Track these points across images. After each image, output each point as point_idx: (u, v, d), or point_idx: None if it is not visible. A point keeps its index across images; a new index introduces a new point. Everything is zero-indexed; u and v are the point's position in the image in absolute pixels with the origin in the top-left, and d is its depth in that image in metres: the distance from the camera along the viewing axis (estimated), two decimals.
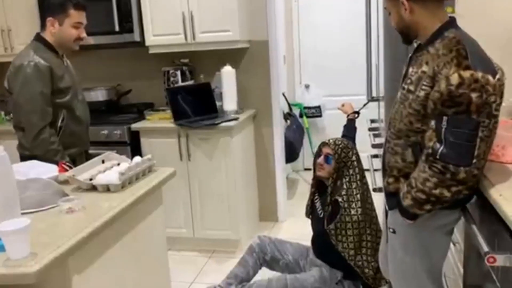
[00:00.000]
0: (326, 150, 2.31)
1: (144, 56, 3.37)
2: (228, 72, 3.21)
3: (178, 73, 3.37)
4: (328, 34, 4.66)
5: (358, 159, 2.29)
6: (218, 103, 3.28)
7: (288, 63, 4.75)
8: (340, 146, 2.27)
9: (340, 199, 2.19)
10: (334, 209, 2.22)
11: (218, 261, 3.11)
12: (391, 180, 1.58)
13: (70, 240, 1.26)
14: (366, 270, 2.18)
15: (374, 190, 2.27)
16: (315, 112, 4.69)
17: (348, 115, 2.76)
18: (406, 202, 1.48)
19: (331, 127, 4.83)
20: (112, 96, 3.62)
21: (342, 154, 2.25)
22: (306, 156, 4.67)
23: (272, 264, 2.51)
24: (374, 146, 2.54)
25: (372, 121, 3.01)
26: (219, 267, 3.02)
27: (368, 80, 2.75)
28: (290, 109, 4.44)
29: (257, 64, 3.42)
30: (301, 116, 4.60)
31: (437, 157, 1.40)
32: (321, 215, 2.33)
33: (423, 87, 1.45)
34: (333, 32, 4.63)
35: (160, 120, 3.24)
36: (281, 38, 4.17)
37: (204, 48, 3.21)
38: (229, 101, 3.23)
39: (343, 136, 2.63)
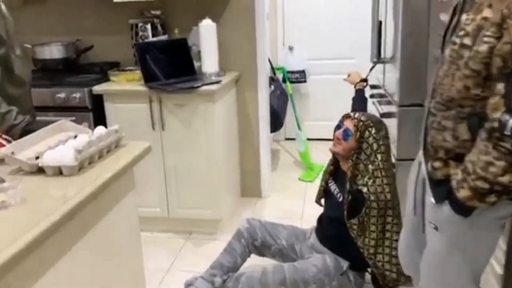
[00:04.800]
0: (347, 123, 1.94)
1: (107, 6, 2.85)
2: (207, 27, 2.75)
3: (148, 26, 2.87)
4: None
5: (387, 144, 1.92)
6: (196, 64, 2.83)
7: (271, 21, 4.29)
8: (366, 123, 1.89)
9: (365, 190, 1.84)
10: (357, 199, 1.87)
11: (197, 243, 2.74)
12: (437, 164, 1.22)
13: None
14: (387, 273, 1.86)
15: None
16: (299, 77, 4.29)
17: (355, 85, 2.39)
18: (462, 193, 1.13)
19: (316, 93, 4.46)
20: (71, 53, 3.09)
21: (365, 134, 1.88)
22: (288, 125, 4.30)
23: (262, 250, 2.17)
24: (383, 115, 2.18)
25: (373, 87, 2.64)
26: (197, 250, 2.66)
27: (374, 38, 2.37)
28: (274, 73, 4.02)
29: (241, 18, 2.97)
30: (283, 81, 4.19)
31: (506, 132, 1.05)
32: (340, 199, 1.98)
33: (486, 38, 1.09)
34: None
35: (127, 82, 2.76)
36: None
37: None
38: (209, 62, 2.78)
39: (353, 111, 2.28)
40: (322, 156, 4.06)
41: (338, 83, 4.51)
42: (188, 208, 2.77)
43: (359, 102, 2.35)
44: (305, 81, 4.31)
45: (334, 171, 2.11)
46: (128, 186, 1.41)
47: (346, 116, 1.98)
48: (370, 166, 1.88)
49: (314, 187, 3.54)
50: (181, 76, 2.71)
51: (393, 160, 2.14)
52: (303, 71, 4.28)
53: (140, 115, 2.62)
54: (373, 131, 1.89)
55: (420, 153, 1.44)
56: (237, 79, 3.06)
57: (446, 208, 1.20)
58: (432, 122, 1.25)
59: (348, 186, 1.90)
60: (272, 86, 3.83)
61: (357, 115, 1.94)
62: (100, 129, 1.35)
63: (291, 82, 4.22)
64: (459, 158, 1.18)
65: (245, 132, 3.18)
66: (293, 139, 4.26)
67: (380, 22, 2.39)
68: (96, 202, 1.18)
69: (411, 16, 1.93)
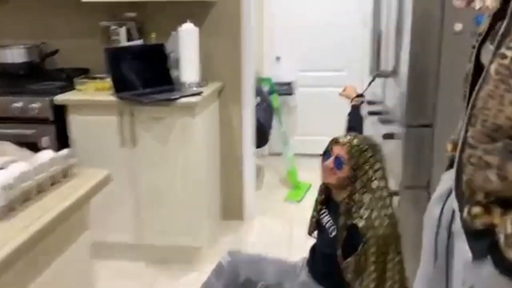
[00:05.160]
0: (337, 150, 1.67)
1: (76, 6, 2.54)
2: (188, 32, 2.47)
3: (122, 30, 2.57)
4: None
5: (384, 168, 1.66)
6: (174, 73, 2.55)
7: (258, 29, 4.03)
8: (359, 147, 1.63)
9: (361, 224, 1.57)
10: (352, 236, 1.59)
11: (173, 275, 2.43)
12: (476, 210, 0.96)
13: None
14: None
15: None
16: (287, 89, 4.04)
17: (351, 100, 2.14)
18: None
19: (303, 107, 4.21)
20: (34, 57, 2.77)
21: (360, 160, 1.61)
22: (273, 139, 4.02)
23: None
24: (385, 136, 1.93)
25: (370, 102, 2.39)
26: (173, 283, 2.35)
27: (374, 49, 2.12)
28: (260, 84, 3.76)
29: (226, 24, 2.70)
30: (270, 93, 3.93)
31: None
32: (332, 235, 1.71)
33: None
34: None
35: (96, 91, 2.45)
36: None
37: None
38: (189, 70, 2.49)
39: (349, 129, 2.02)
40: (309, 174, 3.81)
41: (327, 96, 4.30)
42: (163, 234, 2.46)
43: (354, 119, 2.09)
44: (292, 93, 4.06)
45: (326, 200, 1.84)
46: (78, 228, 1.11)
47: (335, 141, 1.70)
48: (366, 196, 1.62)
49: (302, 209, 3.23)
50: (157, 86, 2.42)
51: (396, 187, 1.88)
52: (291, 83, 4.04)
53: (108, 130, 2.30)
54: (369, 155, 1.64)
55: (441, 189, 1.18)
56: (220, 91, 2.78)
57: (488, 266, 0.94)
58: (470, 156, 0.98)
59: (342, 220, 1.63)
60: (258, 98, 3.56)
61: (347, 138, 1.67)
62: (44, 155, 1.05)
63: (278, 94, 3.96)
64: (506, 204, 0.92)
65: (227, 149, 2.90)
66: (278, 154, 3.99)
67: (379, 32, 2.15)
68: (28, 258, 0.88)
69: (421, 26, 1.69)
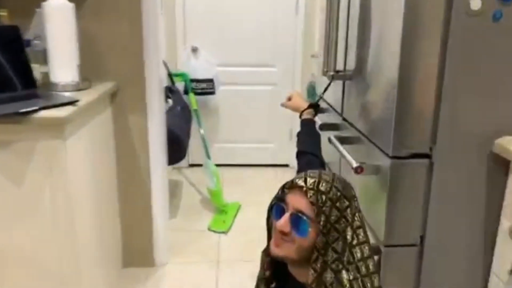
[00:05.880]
0: (295, 201, 1.02)
1: None
2: (60, 9, 1.67)
3: None
4: None
5: (363, 223, 1.03)
6: (39, 69, 1.73)
7: (168, 14, 3.26)
8: (330, 195, 0.99)
9: None
10: None
11: None
12: None
13: None
14: None
15: None
16: (206, 87, 3.32)
17: (301, 114, 1.52)
18: None
19: (227, 109, 3.52)
20: None
21: (333, 215, 0.98)
22: (193, 147, 3.30)
23: None
24: (358, 170, 1.30)
25: (320, 110, 1.77)
26: None
27: (332, 42, 1.48)
28: (172, 82, 3.00)
29: (121, 1, 1.92)
30: (186, 92, 3.19)
31: None
32: None
33: None
34: None
35: None
36: None
37: None
38: (62, 66, 1.70)
39: (301, 154, 1.39)
40: (236, 189, 3.16)
41: (255, 96, 3.67)
42: None
43: (308, 139, 1.46)
44: (213, 93, 3.35)
45: (273, 278, 1.18)
46: None
47: (290, 186, 1.05)
48: (344, 274, 1.00)
49: (229, 242, 2.52)
50: (7, 90, 1.58)
51: (374, 242, 1.28)
52: (211, 80, 3.32)
53: None
54: (344, 205, 1.01)
55: None
56: (113, 94, 2.00)
57: None
58: None
59: None
60: (170, 101, 2.81)
61: (310, 180, 1.02)
62: None
63: (196, 93, 3.23)
64: None
65: (127, 173, 2.13)
66: (200, 165, 3.27)
67: (336, 16, 1.52)
68: None
69: (415, 3, 1.08)
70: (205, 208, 2.90)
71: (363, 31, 1.40)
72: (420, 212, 1.21)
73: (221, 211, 2.80)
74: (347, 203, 0.99)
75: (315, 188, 0.99)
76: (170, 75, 2.97)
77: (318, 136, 1.47)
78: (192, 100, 3.11)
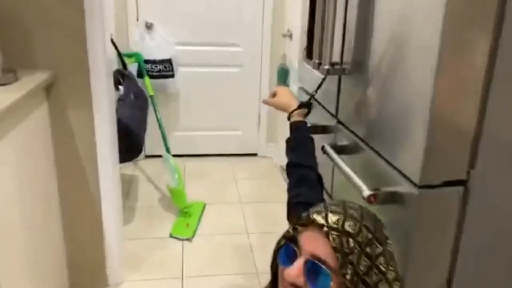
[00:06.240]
0: (314, 242, 0.76)
1: None
2: None
3: None
4: None
5: (399, 274, 0.77)
6: None
7: None
8: (359, 238, 0.74)
9: None
10: None
11: None
12: None
13: None
14: None
15: None
16: (164, 69, 2.93)
17: (289, 115, 1.23)
18: None
19: (187, 93, 3.16)
20: None
21: (361, 263, 0.72)
22: (150, 137, 2.91)
23: None
24: (371, 198, 1.02)
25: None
26: None
27: (323, 31, 1.17)
28: (124, 65, 2.59)
29: None
30: (140, 76, 2.79)
31: None
32: None
33: None
34: None
35: None
36: None
37: None
38: None
39: (294, 166, 1.11)
40: (199, 184, 2.84)
41: (219, 78, 3.26)
42: None
43: (302, 148, 1.17)
44: (172, 76, 2.97)
45: None
46: None
47: (305, 223, 0.78)
48: None
49: (195, 249, 2.19)
50: None
51: None
52: (169, 61, 2.93)
53: None
54: (377, 250, 0.75)
55: None
56: (48, 86, 1.60)
57: None
58: None
59: None
60: (122, 88, 2.42)
61: (331, 217, 0.76)
62: None
63: (152, 77, 2.84)
64: None
65: (71, 178, 1.76)
66: (158, 156, 2.91)
67: None
68: None
69: None
70: (166, 209, 2.57)
71: (367, 11, 1.10)
72: (448, 251, 0.96)
73: (184, 213, 2.48)
74: (380, 248, 0.74)
75: (340, 228, 0.73)
76: (121, 57, 2.56)
77: (312, 142, 1.19)
78: (148, 84, 2.73)
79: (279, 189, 2.71)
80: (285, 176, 2.85)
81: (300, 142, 1.18)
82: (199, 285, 1.95)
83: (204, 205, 2.61)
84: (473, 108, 0.86)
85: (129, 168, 3.02)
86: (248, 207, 2.60)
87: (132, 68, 2.72)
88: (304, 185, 1.09)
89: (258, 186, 2.86)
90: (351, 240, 0.72)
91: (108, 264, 1.93)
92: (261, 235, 2.31)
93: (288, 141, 1.18)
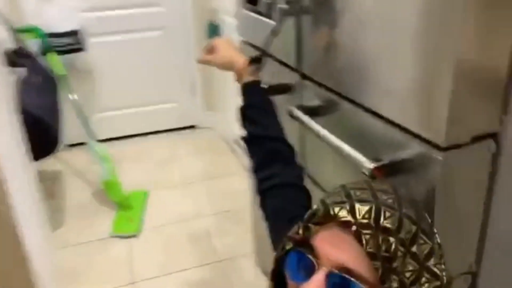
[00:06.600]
0: (338, 248, 0.53)
1: None
2: None
3: None
4: None
5: (450, 277, 0.56)
6: None
7: None
8: (402, 233, 0.51)
9: None
10: None
11: None
12: None
13: None
14: None
15: None
16: (72, 42, 2.48)
17: (238, 74, 0.95)
18: None
19: (104, 67, 2.74)
20: None
21: (408, 269, 0.51)
22: (69, 124, 2.48)
23: None
24: (381, 170, 0.79)
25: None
26: None
27: None
28: (21, 42, 2.12)
29: None
30: (42, 53, 2.34)
31: None
32: None
33: None
34: None
35: None
36: None
37: None
38: None
39: (256, 140, 0.86)
40: (135, 170, 2.50)
41: (140, 45, 2.80)
42: None
43: (264, 115, 0.92)
44: (82, 49, 2.53)
45: None
46: None
47: (322, 219, 0.56)
48: None
49: (144, 245, 1.89)
50: None
51: None
52: (77, 32, 2.48)
53: None
54: (426, 248, 0.53)
55: None
56: None
57: None
58: None
59: None
60: (24, 71, 1.99)
61: (360, 208, 0.54)
62: None
63: (59, 52, 2.40)
64: None
65: None
66: (81, 144, 2.51)
67: None
68: None
69: None
70: (101, 205, 2.22)
71: None
72: (477, 228, 0.75)
73: (124, 206, 2.15)
74: (429, 244, 0.53)
75: (374, 223, 0.51)
76: (16, 33, 2.10)
77: (274, 105, 0.93)
78: (56, 62, 2.29)
79: (227, 162, 2.45)
80: (234, 146, 2.61)
81: (260, 108, 0.91)
82: None
83: (146, 193, 2.29)
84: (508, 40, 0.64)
85: (49, 163, 2.59)
86: (196, 187, 2.31)
87: (33, 44, 2.26)
88: (276, 162, 0.84)
89: (204, 162, 2.56)
90: (391, 239, 0.50)
91: (40, 285, 1.59)
92: (217, 217, 2.04)
93: (242, 109, 0.91)
